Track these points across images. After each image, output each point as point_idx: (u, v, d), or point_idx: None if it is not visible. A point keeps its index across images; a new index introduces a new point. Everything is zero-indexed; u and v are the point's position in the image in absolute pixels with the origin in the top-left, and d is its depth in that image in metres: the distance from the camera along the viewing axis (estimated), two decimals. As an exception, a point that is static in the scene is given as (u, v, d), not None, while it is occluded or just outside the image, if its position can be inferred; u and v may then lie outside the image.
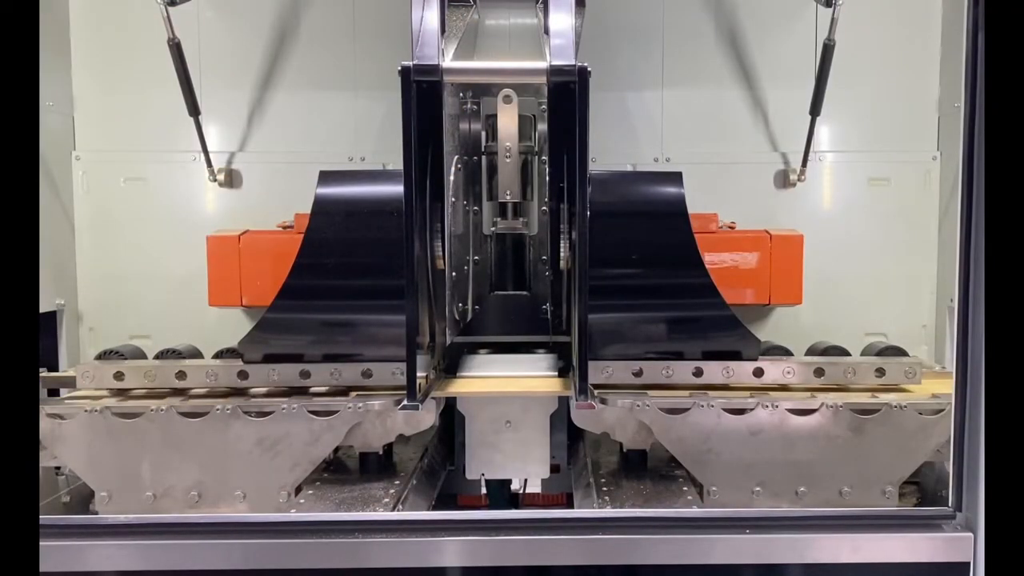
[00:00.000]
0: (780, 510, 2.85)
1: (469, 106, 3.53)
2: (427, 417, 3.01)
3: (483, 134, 3.51)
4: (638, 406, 2.96)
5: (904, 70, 4.10)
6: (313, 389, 3.15)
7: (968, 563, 2.48)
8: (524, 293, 3.62)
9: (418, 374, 2.75)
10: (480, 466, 3.13)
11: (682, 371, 3.13)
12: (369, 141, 4.07)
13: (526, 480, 3.59)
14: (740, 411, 2.93)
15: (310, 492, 2.97)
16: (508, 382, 3.19)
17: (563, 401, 3.16)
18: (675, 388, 3.12)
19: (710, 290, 3.15)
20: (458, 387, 3.12)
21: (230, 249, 3.62)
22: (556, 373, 3.17)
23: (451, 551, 2.49)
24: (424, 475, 3.28)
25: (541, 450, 3.12)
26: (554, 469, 3.29)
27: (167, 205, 4.08)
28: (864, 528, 2.53)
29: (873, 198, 4.12)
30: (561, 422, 3.37)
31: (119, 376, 3.18)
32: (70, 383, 3.29)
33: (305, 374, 3.13)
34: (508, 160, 3.20)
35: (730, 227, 3.82)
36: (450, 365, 3.39)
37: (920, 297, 4.13)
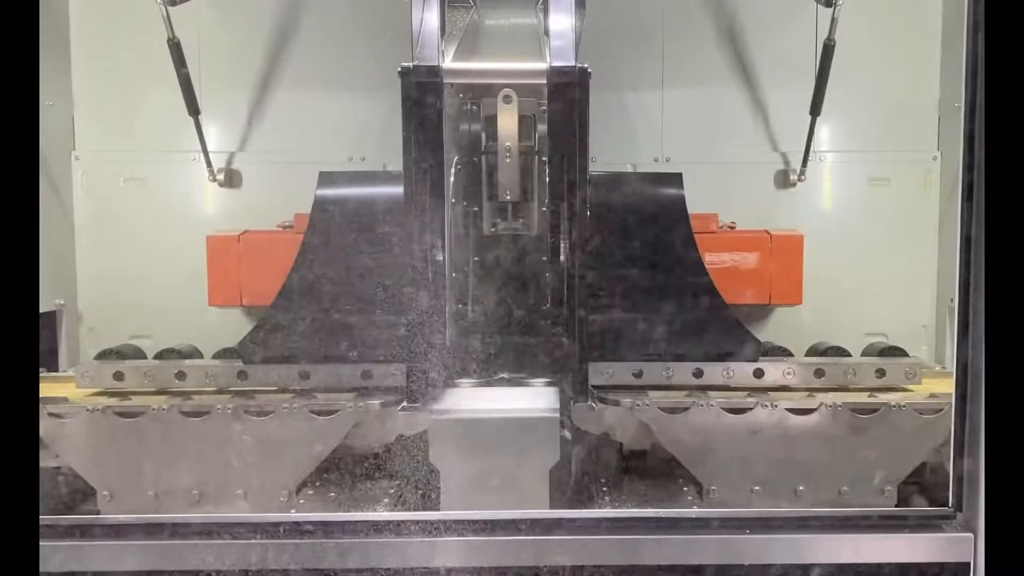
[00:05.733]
0: (780, 510, 2.85)
1: (469, 106, 3.52)
2: (427, 418, 3.01)
3: (483, 134, 3.51)
4: (638, 406, 2.96)
5: (904, 70, 4.10)
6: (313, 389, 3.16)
7: (968, 563, 2.47)
8: (524, 294, 3.62)
9: (417, 375, 2.75)
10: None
11: (682, 372, 3.13)
12: (369, 141, 4.07)
13: None
14: (740, 411, 2.93)
15: (310, 492, 2.97)
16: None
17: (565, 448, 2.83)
18: (675, 389, 3.12)
19: (710, 290, 3.15)
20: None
21: (230, 249, 3.62)
22: (556, 413, 2.69)
23: (451, 551, 2.49)
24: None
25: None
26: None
27: (167, 205, 4.08)
28: (864, 528, 2.53)
29: (873, 198, 4.12)
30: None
31: (119, 376, 3.19)
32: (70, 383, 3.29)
33: (305, 374, 3.13)
34: (508, 160, 3.20)
35: (730, 227, 3.82)
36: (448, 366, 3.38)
37: (920, 297, 4.13)
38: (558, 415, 2.66)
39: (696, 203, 3.34)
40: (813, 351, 3.76)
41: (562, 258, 2.98)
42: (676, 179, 3.33)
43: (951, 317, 3.58)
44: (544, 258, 3.52)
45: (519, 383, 3.04)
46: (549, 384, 2.98)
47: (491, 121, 3.38)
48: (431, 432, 2.62)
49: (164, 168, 4.08)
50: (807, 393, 3.11)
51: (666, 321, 3.18)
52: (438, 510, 2.66)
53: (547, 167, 3.27)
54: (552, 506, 2.63)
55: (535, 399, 2.81)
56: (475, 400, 2.84)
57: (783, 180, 4.13)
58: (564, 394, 2.89)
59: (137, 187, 4.08)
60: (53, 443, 2.96)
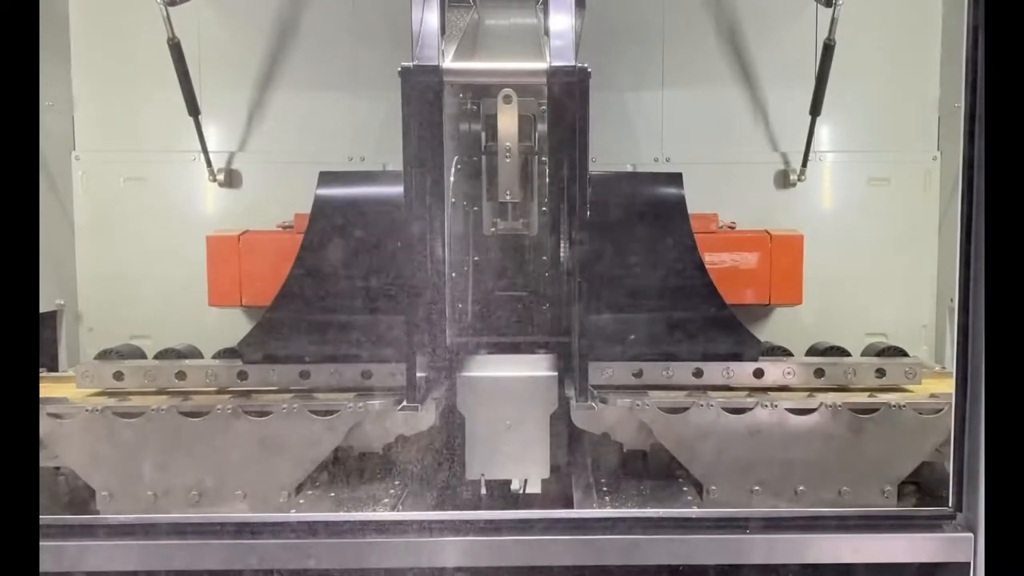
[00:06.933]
0: (780, 510, 2.85)
1: (469, 106, 3.52)
2: (426, 418, 3.01)
3: (483, 134, 3.51)
4: (638, 406, 2.96)
5: (904, 70, 4.10)
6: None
7: (968, 563, 2.48)
8: (524, 293, 3.62)
9: (417, 375, 2.75)
10: (480, 466, 3.10)
11: (682, 372, 3.13)
12: (369, 141, 4.07)
13: (526, 480, 3.57)
14: (740, 411, 2.93)
15: (310, 492, 2.97)
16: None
17: (563, 402, 3.15)
18: (675, 389, 3.12)
19: (710, 290, 3.15)
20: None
21: (230, 249, 3.63)
22: (555, 373, 3.14)
23: (451, 551, 2.49)
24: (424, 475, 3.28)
25: (541, 450, 3.08)
26: (553, 469, 3.28)
27: (167, 205, 4.08)
28: (864, 528, 2.53)
29: (873, 198, 4.12)
30: (561, 424, 3.35)
31: (119, 376, 3.19)
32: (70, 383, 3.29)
33: (305, 374, 3.13)
34: (508, 160, 3.20)
35: (730, 227, 3.82)
36: (449, 366, 3.39)
37: (920, 297, 4.13)
38: (556, 375, 3.05)
39: (696, 203, 3.34)
40: (813, 351, 3.76)
41: (562, 258, 2.99)
42: (676, 179, 3.33)
43: (951, 317, 3.58)
44: (544, 258, 3.53)
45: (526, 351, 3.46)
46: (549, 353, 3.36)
47: (491, 121, 3.39)
48: (459, 387, 3.02)
49: (164, 168, 4.08)
50: (807, 393, 3.10)
51: (666, 321, 3.18)
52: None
53: (547, 167, 3.27)
54: (552, 450, 3.06)
55: (538, 363, 3.20)
56: (492, 363, 3.22)
57: (783, 180, 4.13)
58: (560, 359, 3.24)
59: (137, 187, 4.08)
60: (53, 443, 2.96)
